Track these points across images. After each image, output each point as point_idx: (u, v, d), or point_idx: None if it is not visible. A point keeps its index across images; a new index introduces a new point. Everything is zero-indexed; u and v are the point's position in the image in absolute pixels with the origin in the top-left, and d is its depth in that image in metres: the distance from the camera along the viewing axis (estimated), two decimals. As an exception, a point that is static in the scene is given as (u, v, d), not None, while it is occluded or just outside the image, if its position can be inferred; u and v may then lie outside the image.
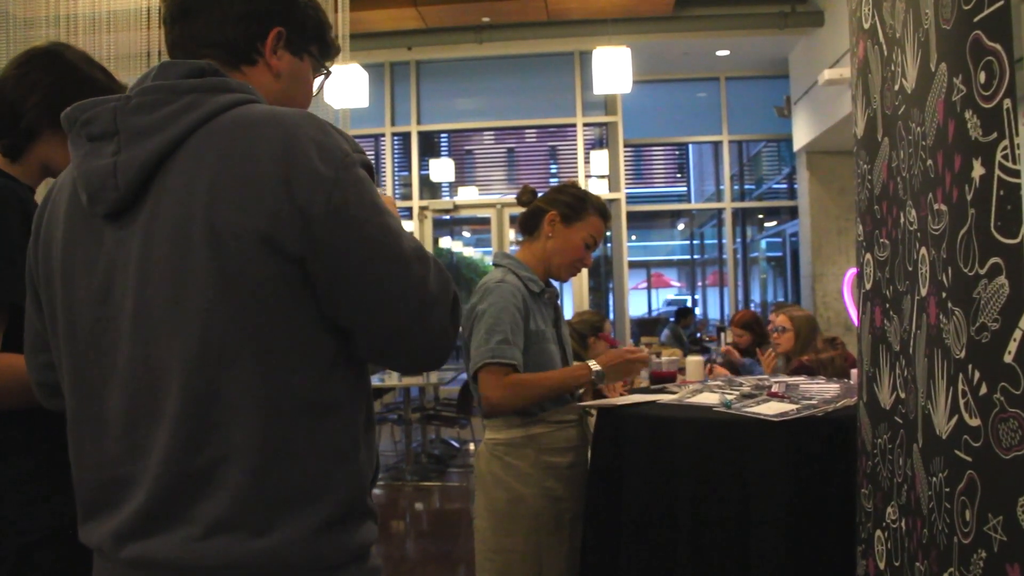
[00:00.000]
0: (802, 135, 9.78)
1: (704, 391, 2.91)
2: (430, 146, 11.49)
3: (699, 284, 17.17)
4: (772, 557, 2.33)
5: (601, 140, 10.97)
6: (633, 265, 19.14)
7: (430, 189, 11.30)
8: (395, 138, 10.92)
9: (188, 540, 1.18)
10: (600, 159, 10.60)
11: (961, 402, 1.26)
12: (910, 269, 1.60)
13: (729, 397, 2.72)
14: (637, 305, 18.43)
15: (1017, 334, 1.09)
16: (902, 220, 1.65)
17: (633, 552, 2.56)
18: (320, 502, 1.22)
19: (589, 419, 2.91)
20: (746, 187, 12.60)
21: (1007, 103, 1.11)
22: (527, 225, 2.93)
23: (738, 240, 12.17)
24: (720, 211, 11.62)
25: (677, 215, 17.62)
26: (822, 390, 2.82)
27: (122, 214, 1.24)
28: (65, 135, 1.69)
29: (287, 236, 1.17)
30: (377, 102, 10.28)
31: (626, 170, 10.93)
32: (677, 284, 20.85)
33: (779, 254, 13.63)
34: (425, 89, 10.80)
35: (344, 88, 6.65)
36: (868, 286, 1.95)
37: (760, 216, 13.61)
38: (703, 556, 2.42)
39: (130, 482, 1.23)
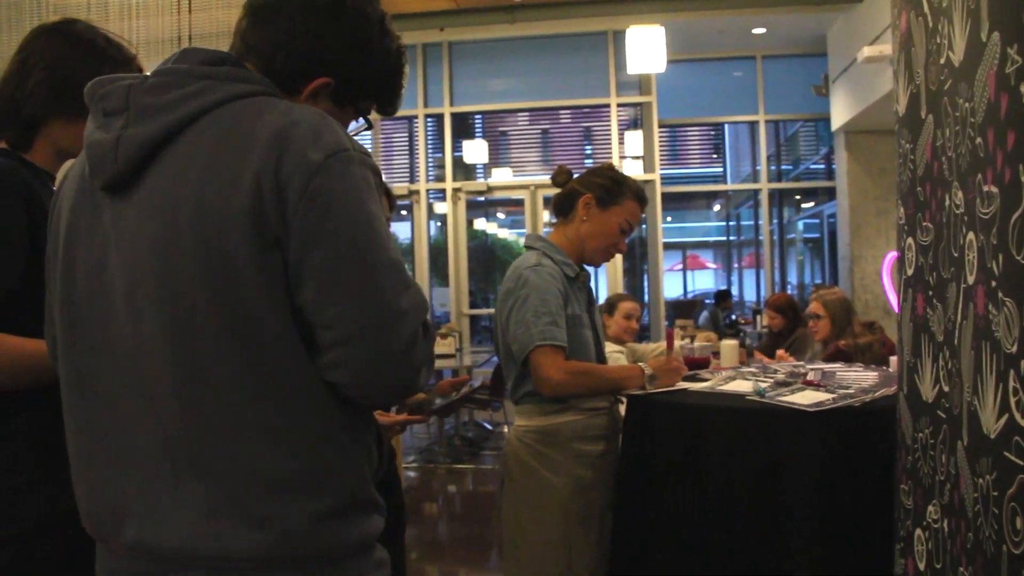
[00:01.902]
0: (840, 114, 9.58)
1: (737, 378, 2.82)
2: (464, 128, 11.39)
3: (735, 266, 16.96)
4: (807, 552, 2.24)
5: (636, 121, 10.81)
6: (668, 247, 18.96)
7: (464, 171, 11.22)
8: (428, 120, 10.83)
9: (185, 527, 1.19)
10: (635, 140, 10.45)
11: (1012, 400, 1.17)
12: (955, 255, 1.50)
13: (763, 385, 2.62)
14: (672, 287, 18.27)
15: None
16: (947, 203, 1.55)
17: (664, 544, 2.49)
18: (319, 492, 1.22)
19: (619, 406, 2.83)
20: (783, 167, 12.38)
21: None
22: (561, 207, 2.86)
23: (775, 221, 11.98)
24: (756, 192, 11.43)
25: (713, 196, 17.40)
26: (859, 378, 2.72)
27: (122, 189, 1.25)
28: (71, 118, 1.75)
29: (268, 216, 1.16)
30: (410, 84, 10.15)
31: (661, 151, 10.77)
32: (713, 266, 20.63)
33: (816, 236, 13.40)
34: (458, 70, 10.69)
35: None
36: (910, 272, 1.85)
37: (797, 197, 13.36)
38: (735, 550, 2.34)
39: (123, 460, 1.24)
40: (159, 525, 1.20)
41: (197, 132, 1.22)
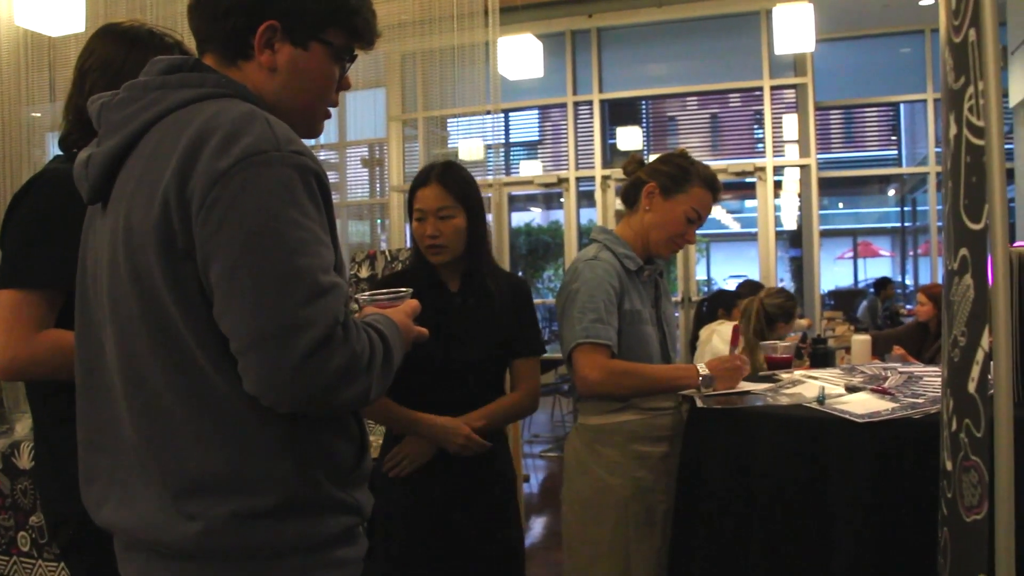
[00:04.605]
0: (1020, 89, 8.79)
1: (808, 381, 2.57)
2: (627, 114, 11.18)
3: (911, 253, 16.02)
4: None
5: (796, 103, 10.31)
6: (837, 234, 18.07)
7: (620, 158, 11.01)
8: (577, 107, 10.68)
9: (140, 514, 1.29)
10: (791, 123, 9.98)
11: (944, 433, 0.96)
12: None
13: (835, 389, 2.39)
14: (842, 276, 17.45)
15: (979, 355, 0.79)
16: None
17: (710, 553, 2.32)
18: (245, 492, 1.25)
19: (685, 406, 2.67)
20: (959, 149, 11.53)
21: (972, 35, 0.80)
22: (627, 197, 2.77)
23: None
24: (926, 175, 10.70)
25: (886, 180, 16.49)
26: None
27: (101, 203, 1.36)
28: None
29: (175, 230, 1.20)
30: (559, 72, 10.12)
31: (833, 134, 10.25)
32: (887, 254, 19.52)
33: (997, 222, 12.45)
34: (607, 57, 10.50)
35: (517, 59, 6.62)
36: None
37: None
38: (776, 566, 2.13)
39: (108, 450, 1.35)
40: (126, 509, 1.31)
41: (142, 146, 1.29)
